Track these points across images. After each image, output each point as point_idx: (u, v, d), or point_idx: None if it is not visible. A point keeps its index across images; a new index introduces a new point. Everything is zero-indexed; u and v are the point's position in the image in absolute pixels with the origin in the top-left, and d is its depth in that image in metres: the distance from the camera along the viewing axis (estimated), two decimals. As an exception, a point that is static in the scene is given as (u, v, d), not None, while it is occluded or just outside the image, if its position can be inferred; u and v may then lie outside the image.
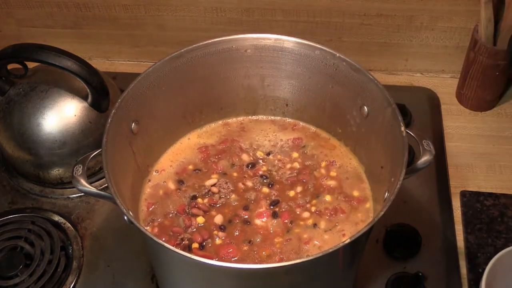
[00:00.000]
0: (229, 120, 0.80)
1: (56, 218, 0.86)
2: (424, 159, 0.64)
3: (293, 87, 0.77)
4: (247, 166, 0.74)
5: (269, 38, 0.74)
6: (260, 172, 0.74)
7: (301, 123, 0.79)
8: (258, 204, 0.70)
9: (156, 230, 0.68)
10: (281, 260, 0.63)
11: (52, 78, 0.86)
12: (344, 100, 0.73)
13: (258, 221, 0.68)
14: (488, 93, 0.96)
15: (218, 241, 0.66)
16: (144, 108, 0.71)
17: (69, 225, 0.85)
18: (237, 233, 0.66)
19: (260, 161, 0.75)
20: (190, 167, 0.75)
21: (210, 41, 0.72)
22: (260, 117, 0.80)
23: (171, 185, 0.73)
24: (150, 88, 0.70)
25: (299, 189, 0.72)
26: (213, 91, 0.77)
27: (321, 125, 0.78)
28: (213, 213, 0.69)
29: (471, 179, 0.89)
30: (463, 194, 0.86)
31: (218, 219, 0.68)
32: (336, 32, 1.01)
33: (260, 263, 0.63)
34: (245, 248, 0.65)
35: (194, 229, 0.68)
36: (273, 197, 0.71)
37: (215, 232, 0.67)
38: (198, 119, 0.79)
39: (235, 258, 0.64)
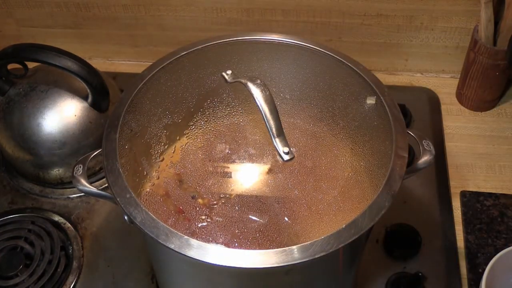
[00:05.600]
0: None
1: (56, 218, 0.86)
2: (424, 159, 0.64)
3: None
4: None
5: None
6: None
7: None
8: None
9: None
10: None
11: (52, 78, 0.87)
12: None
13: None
14: (488, 93, 0.96)
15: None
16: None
17: (69, 225, 0.85)
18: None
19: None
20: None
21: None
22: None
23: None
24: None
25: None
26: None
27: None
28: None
29: (471, 179, 0.89)
30: (463, 194, 0.86)
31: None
32: (336, 32, 1.01)
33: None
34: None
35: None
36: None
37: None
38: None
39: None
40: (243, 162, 0.75)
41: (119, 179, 0.60)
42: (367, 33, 1.00)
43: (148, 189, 0.72)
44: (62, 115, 0.85)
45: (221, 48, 0.74)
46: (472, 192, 0.86)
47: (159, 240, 0.55)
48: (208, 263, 0.54)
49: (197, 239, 0.55)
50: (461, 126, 0.97)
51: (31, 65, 0.85)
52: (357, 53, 1.02)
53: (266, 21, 1.00)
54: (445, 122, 0.97)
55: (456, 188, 0.88)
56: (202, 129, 0.78)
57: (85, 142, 0.86)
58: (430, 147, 0.65)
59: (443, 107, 1.00)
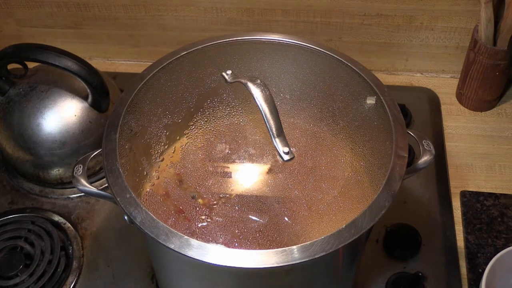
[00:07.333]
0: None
1: (56, 218, 0.86)
2: (424, 159, 0.64)
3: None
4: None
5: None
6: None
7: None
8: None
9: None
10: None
11: (52, 78, 0.87)
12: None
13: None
14: (488, 93, 0.96)
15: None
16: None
17: (69, 225, 0.85)
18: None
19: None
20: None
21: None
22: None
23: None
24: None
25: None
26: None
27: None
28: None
29: (471, 179, 0.89)
30: (463, 194, 0.86)
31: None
32: (336, 32, 1.01)
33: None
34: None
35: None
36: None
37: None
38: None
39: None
40: (243, 162, 0.75)
41: (119, 179, 0.60)
42: (367, 33, 1.00)
43: (148, 189, 0.72)
44: (62, 115, 0.85)
45: (221, 48, 0.74)
46: (472, 192, 0.86)
47: (159, 240, 0.55)
48: (208, 263, 0.54)
49: (197, 239, 0.55)
50: (461, 126, 0.97)
51: (31, 65, 0.85)
52: (357, 53, 1.02)
53: (266, 21, 1.00)
54: (445, 122, 0.97)
55: (456, 188, 0.88)
56: (202, 129, 0.78)
57: (85, 142, 0.86)
58: (430, 147, 0.65)
59: (443, 107, 1.00)
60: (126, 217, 0.59)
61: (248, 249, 0.64)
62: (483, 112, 0.99)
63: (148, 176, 0.74)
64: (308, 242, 0.54)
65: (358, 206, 0.69)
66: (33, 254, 0.80)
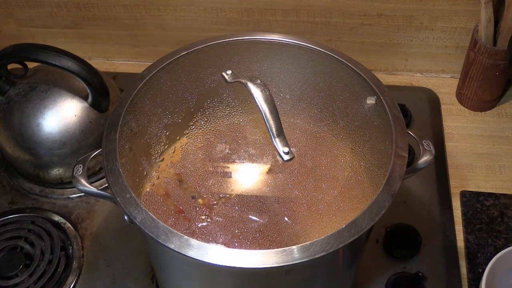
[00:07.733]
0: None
1: (56, 218, 0.86)
2: (424, 159, 0.64)
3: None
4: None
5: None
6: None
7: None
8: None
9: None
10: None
11: (52, 78, 0.87)
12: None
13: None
14: (488, 93, 0.96)
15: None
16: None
17: (69, 225, 0.85)
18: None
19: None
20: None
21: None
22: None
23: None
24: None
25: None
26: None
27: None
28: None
29: (471, 179, 0.89)
30: (463, 194, 0.86)
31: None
32: (336, 32, 1.01)
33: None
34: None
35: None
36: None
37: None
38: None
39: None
40: (243, 162, 0.75)
41: (119, 179, 0.60)
42: (367, 33, 1.00)
43: (148, 189, 0.72)
44: (62, 115, 0.85)
45: (221, 48, 0.74)
46: (472, 192, 0.86)
47: (159, 240, 0.55)
48: (208, 263, 0.54)
49: (197, 239, 0.56)
50: (461, 126, 0.97)
51: (31, 65, 0.85)
52: (357, 53, 1.02)
53: (266, 21, 1.00)
54: (445, 122, 0.97)
55: (456, 188, 0.88)
56: (202, 129, 0.78)
57: (85, 142, 0.86)
58: (430, 147, 0.65)
59: (443, 107, 1.00)
60: (126, 217, 0.59)
61: (248, 249, 0.64)
62: (483, 112, 0.99)
63: (148, 176, 0.74)
64: (308, 242, 0.54)
65: (358, 206, 0.69)
66: (33, 254, 0.80)
